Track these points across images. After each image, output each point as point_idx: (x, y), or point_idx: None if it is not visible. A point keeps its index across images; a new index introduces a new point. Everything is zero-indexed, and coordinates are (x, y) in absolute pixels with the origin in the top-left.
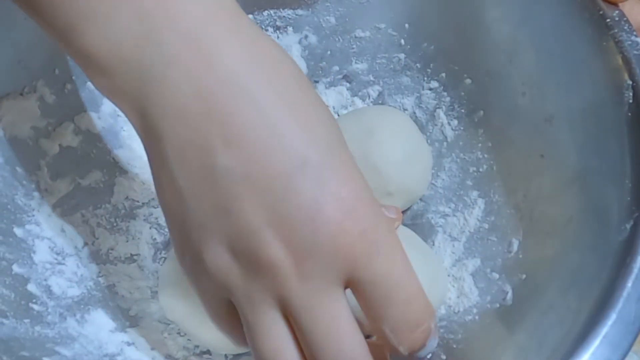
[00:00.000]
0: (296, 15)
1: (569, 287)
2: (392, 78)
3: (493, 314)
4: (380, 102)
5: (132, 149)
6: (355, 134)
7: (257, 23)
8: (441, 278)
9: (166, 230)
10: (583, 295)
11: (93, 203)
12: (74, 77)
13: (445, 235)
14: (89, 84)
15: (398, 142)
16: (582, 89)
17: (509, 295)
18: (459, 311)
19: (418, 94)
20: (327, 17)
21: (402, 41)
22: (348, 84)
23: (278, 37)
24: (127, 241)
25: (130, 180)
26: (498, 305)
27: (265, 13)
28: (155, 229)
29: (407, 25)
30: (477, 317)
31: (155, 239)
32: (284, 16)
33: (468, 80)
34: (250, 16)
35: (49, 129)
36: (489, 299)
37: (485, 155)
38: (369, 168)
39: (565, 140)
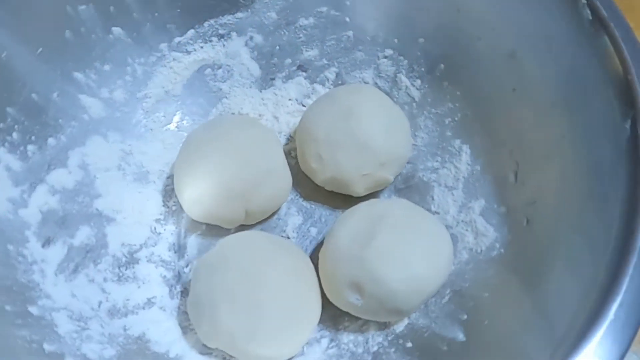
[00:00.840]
0: (236, 19)
1: (588, 197)
2: (346, 56)
3: (518, 242)
4: (339, 82)
5: (111, 194)
6: (334, 116)
7: (200, 36)
8: (444, 244)
9: (173, 264)
10: (608, 198)
11: (92, 259)
12: (33, 138)
13: (442, 187)
14: (50, 140)
15: (377, 115)
16: (538, 18)
17: (525, 222)
18: (481, 250)
19: (375, 65)
20: (268, 14)
21: (347, 19)
22: (304, 73)
23: (224, 45)
24: (139, 287)
25: (120, 226)
26: (519, 232)
27: (206, 24)
28: (162, 266)
29: (348, 2)
30: (502, 250)
31: (164, 276)
32: (224, 23)
33: (421, 40)
34: (192, 31)
35: (25, 197)
36: (506, 230)
37: (457, 104)
38: (359, 145)
39: (533, 69)
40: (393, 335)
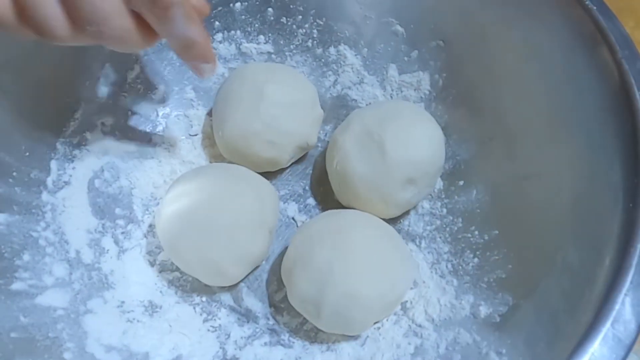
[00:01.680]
0: (75, 119)
1: None
2: (181, 82)
3: (456, 64)
4: (200, 97)
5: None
6: (250, 104)
7: (61, 162)
8: (413, 105)
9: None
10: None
11: None
12: None
13: (356, 89)
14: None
15: (282, 78)
16: None
17: (443, 44)
18: (431, 91)
19: (217, 54)
20: (96, 99)
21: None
22: (165, 116)
23: (87, 150)
24: None
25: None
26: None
27: (59, 145)
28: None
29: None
30: (444, 75)
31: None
32: (68, 140)
33: (237, 5)
34: (54, 166)
35: None
36: (432, 62)
37: (300, 17)
38: (294, 103)
39: None
40: (445, 192)
